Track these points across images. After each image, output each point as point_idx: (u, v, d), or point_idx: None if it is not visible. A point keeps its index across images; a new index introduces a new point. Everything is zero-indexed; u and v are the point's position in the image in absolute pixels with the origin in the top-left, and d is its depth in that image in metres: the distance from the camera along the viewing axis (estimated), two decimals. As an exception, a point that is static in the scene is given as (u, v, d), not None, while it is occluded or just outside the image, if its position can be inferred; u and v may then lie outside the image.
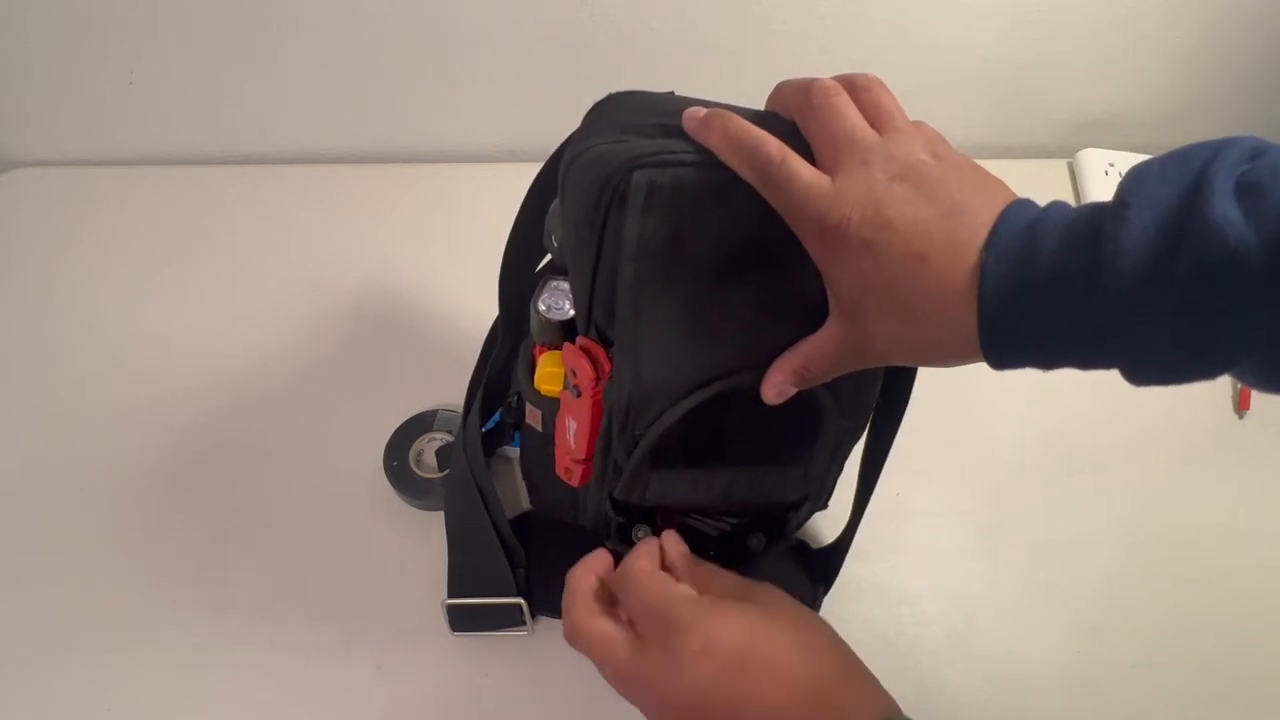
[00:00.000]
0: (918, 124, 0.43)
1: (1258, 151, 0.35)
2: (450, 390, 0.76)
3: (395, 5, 0.84)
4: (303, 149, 0.97)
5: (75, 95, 0.90)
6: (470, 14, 0.85)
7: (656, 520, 0.59)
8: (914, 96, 0.45)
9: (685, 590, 0.49)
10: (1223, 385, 0.84)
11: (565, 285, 0.54)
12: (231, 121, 0.94)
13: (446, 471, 0.73)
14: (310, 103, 0.93)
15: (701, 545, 0.55)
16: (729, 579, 0.52)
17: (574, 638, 0.50)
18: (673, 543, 0.54)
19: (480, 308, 0.66)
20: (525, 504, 0.71)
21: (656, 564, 0.52)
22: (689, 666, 0.45)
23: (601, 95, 0.50)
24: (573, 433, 0.54)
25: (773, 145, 0.41)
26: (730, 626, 0.46)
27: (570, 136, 0.48)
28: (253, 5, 0.83)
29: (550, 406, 0.56)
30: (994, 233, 0.38)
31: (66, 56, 0.86)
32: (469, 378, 0.69)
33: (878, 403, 0.55)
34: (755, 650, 0.46)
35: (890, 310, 0.40)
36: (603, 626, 0.49)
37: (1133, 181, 0.36)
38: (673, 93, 0.49)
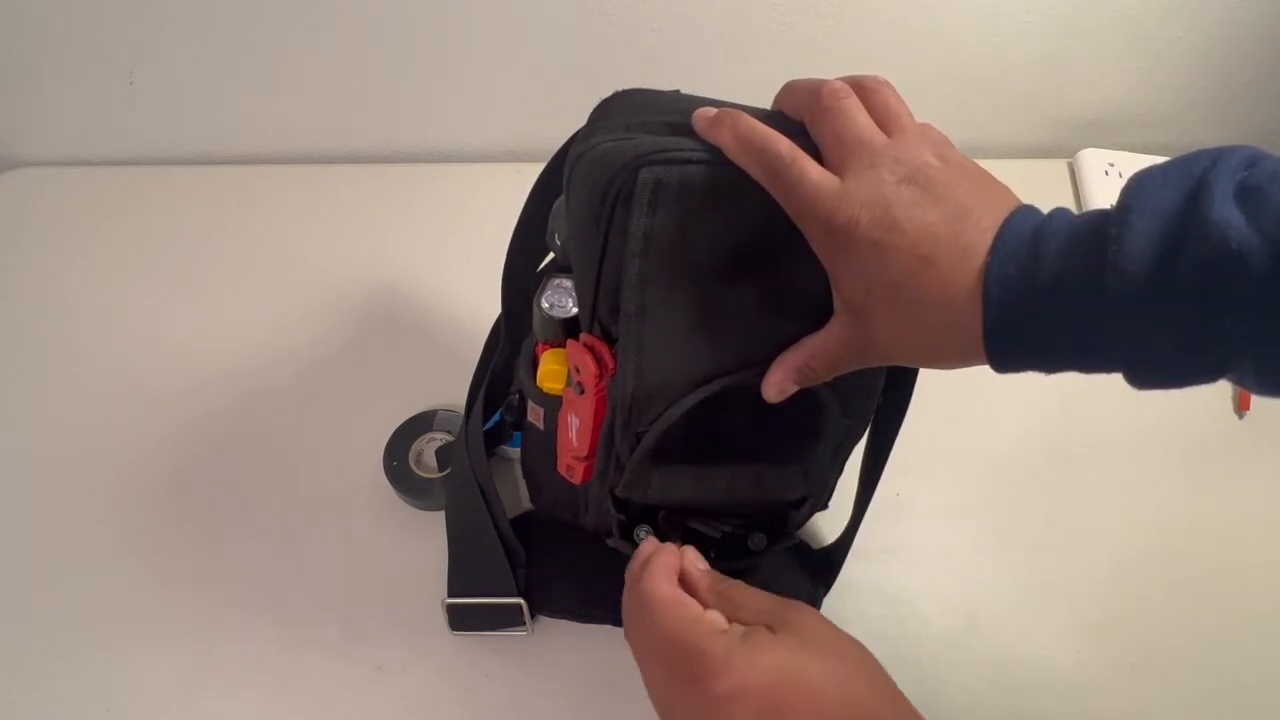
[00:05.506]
0: (924, 126, 0.43)
1: (1254, 159, 0.35)
2: (450, 390, 0.76)
3: (396, 5, 0.84)
4: (303, 149, 0.96)
5: (76, 95, 0.90)
6: (471, 14, 0.85)
7: (658, 519, 0.59)
8: (915, 96, 0.45)
9: (713, 621, 0.46)
10: (1223, 386, 0.84)
11: (568, 283, 0.54)
12: (232, 121, 0.94)
13: (446, 471, 0.73)
14: (310, 103, 0.93)
15: (702, 547, 0.55)
16: (757, 600, 0.48)
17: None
18: (693, 559, 0.51)
19: (481, 307, 0.66)
20: (526, 504, 0.71)
21: (676, 584, 0.48)
22: (720, 711, 0.43)
23: (603, 96, 0.50)
24: (575, 430, 0.54)
25: (783, 145, 0.41)
26: (763, 664, 0.43)
27: (576, 134, 0.48)
28: (253, 5, 0.83)
29: (552, 404, 0.56)
30: (999, 236, 0.38)
31: (67, 56, 0.86)
32: (469, 378, 0.69)
33: (879, 403, 0.55)
34: (790, 690, 0.43)
35: (895, 310, 0.40)
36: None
37: (1135, 187, 0.36)
38: (678, 91, 0.49)
